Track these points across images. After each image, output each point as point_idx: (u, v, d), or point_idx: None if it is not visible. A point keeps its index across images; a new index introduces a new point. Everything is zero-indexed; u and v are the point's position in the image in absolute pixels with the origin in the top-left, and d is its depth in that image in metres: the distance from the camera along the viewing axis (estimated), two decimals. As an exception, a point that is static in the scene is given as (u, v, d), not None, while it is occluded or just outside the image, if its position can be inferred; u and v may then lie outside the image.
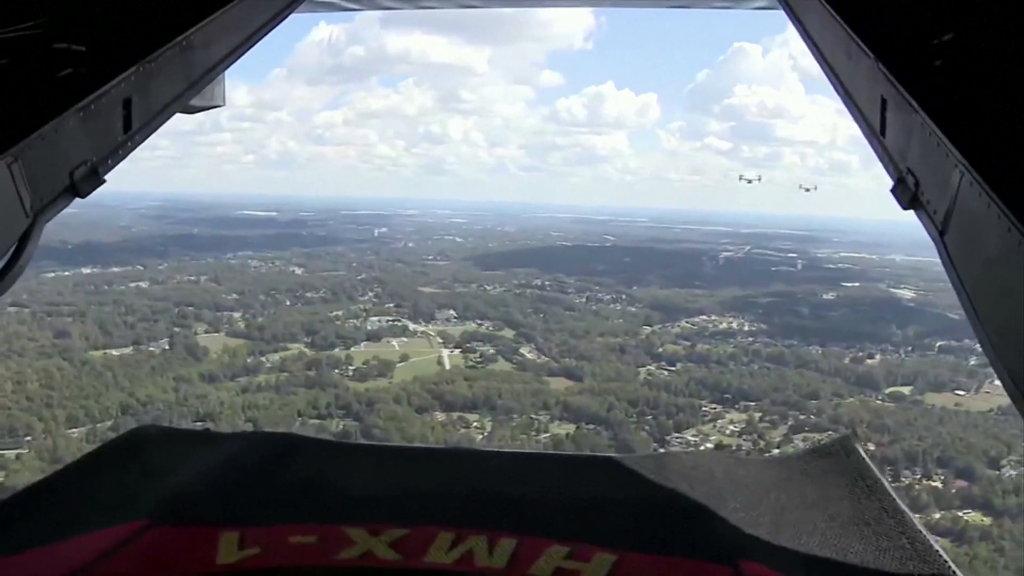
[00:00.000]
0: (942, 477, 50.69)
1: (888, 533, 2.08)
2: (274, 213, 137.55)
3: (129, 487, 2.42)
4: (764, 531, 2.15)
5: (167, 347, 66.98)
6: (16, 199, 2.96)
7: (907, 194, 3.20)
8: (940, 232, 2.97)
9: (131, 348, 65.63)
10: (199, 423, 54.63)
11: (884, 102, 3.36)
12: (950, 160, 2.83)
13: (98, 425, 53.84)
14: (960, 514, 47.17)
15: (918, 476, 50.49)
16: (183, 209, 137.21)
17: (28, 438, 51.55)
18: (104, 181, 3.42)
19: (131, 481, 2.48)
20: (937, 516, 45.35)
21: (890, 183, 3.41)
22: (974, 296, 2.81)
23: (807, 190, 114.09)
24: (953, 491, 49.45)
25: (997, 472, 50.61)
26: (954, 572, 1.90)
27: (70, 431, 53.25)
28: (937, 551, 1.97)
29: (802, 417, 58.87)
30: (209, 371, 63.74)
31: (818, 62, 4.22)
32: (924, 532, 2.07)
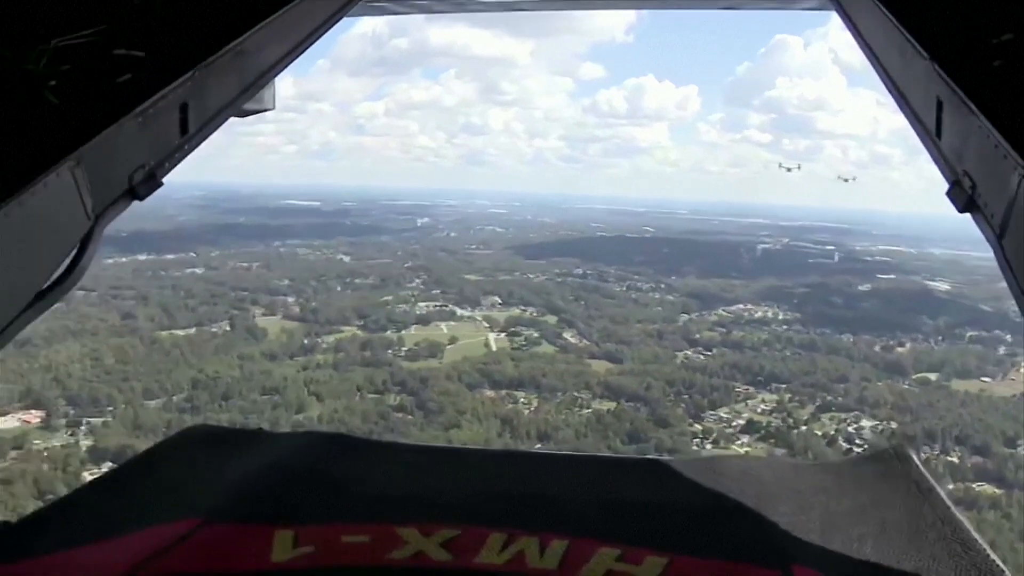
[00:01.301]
0: (959, 453, 50.36)
1: (942, 541, 1.98)
2: (317, 203, 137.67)
3: (184, 485, 2.41)
4: (816, 536, 2.08)
5: (228, 328, 68.48)
6: (79, 202, 2.93)
7: (963, 197, 3.03)
8: (998, 236, 2.80)
9: (195, 329, 67.21)
10: (266, 396, 56.16)
11: (940, 103, 3.19)
12: (1009, 162, 2.68)
13: (173, 397, 55.60)
14: (973, 485, 46.95)
15: (936, 452, 49.96)
16: (227, 199, 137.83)
17: (111, 408, 53.20)
18: (161, 184, 3.40)
19: (186, 479, 2.47)
20: (950, 487, 44.87)
21: (937, 181, 3.28)
22: None
23: (846, 180, 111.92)
24: (968, 465, 49.16)
25: (1012, 451, 50.14)
26: None
27: (148, 402, 54.90)
28: (993, 560, 1.87)
29: (829, 398, 58.52)
30: (269, 350, 65.00)
31: (871, 62, 4.03)
32: (980, 540, 1.96)
